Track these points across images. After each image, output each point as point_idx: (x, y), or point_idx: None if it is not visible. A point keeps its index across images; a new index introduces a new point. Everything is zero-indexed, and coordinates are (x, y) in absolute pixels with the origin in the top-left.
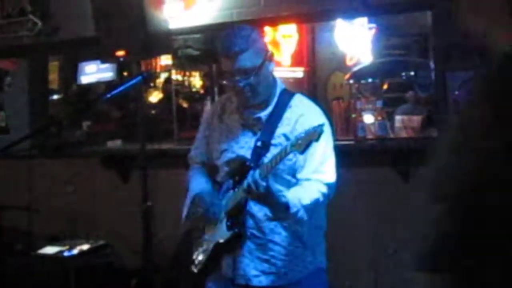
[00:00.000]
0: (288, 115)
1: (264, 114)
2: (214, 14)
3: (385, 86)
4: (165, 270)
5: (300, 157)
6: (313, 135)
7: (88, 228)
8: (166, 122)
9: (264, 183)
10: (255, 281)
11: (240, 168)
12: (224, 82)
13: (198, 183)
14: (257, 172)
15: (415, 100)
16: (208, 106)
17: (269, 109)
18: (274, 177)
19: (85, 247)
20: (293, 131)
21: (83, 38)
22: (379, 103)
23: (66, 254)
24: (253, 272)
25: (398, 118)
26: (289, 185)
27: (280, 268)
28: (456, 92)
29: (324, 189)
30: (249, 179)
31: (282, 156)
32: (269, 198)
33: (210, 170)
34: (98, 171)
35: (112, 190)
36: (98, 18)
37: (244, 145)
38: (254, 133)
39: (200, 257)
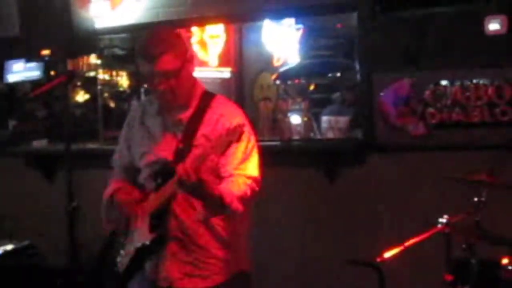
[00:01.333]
0: (209, 116)
1: (185, 116)
2: (140, 14)
3: (312, 87)
4: (90, 271)
5: (222, 157)
6: (232, 136)
7: (13, 228)
8: (92, 122)
9: (196, 173)
10: (178, 284)
11: (163, 170)
12: (145, 85)
13: (113, 185)
14: (188, 162)
15: (341, 101)
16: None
17: (190, 110)
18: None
19: (9, 247)
20: (213, 131)
21: (9, 37)
22: (305, 104)
23: None
24: (177, 275)
25: (324, 119)
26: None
27: (204, 270)
28: (381, 94)
29: (249, 182)
30: (180, 170)
31: (203, 158)
32: (202, 189)
33: (133, 173)
34: (23, 171)
35: (37, 190)
36: (23, 17)
37: (166, 147)
38: (175, 135)
39: (123, 259)
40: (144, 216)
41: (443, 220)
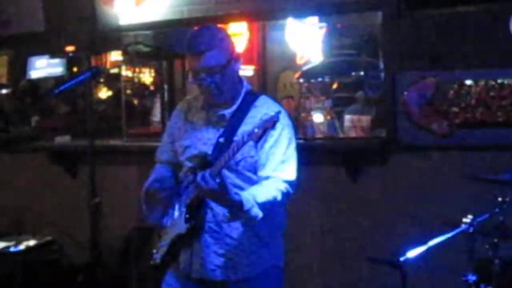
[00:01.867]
0: (253, 114)
1: (228, 112)
2: (165, 11)
3: (335, 86)
4: (112, 267)
5: (262, 155)
6: (268, 123)
7: (36, 224)
8: (115, 118)
9: (214, 181)
10: (210, 275)
11: (201, 163)
12: (190, 79)
13: (155, 175)
14: (208, 171)
15: (364, 100)
16: (157, 103)
17: (234, 107)
18: (236, 174)
19: (32, 243)
20: None
21: (33, 33)
22: (328, 103)
23: (12, 249)
24: (209, 266)
25: (347, 117)
26: (251, 182)
27: (236, 263)
28: (405, 93)
29: (283, 187)
30: (198, 176)
31: (237, 147)
32: (220, 195)
33: (176, 168)
34: (46, 167)
35: (60, 186)
36: (48, 13)
37: (207, 142)
38: (218, 130)
39: (160, 250)
40: (181, 208)
41: (467, 220)
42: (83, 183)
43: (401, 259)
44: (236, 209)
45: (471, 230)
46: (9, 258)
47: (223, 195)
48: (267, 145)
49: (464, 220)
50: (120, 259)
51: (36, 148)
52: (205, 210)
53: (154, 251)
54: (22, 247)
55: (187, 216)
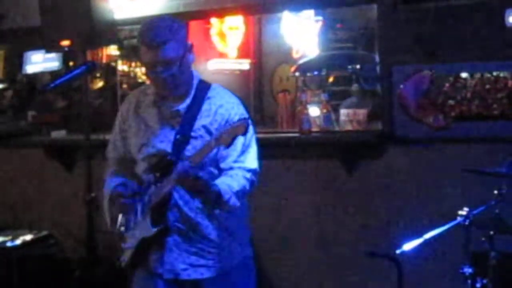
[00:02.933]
0: (207, 107)
1: (182, 107)
2: (160, 5)
3: (331, 79)
4: (108, 260)
5: (223, 149)
6: (238, 129)
7: (32, 219)
8: (111, 113)
9: (194, 172)
10: (183, 275)
11: (161, 162)
12: (146, 71)
13: (112, 182)
14: (186, 162)
15: (360, 93)
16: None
17: (187, 101)
18: (200, 169)
19: (28, 237)
20: (213, 122)
21: (28, 27)
22: (324, 96)
23: (9, 244)
24: (181, 266)
25: (343, 111)
26: (213, 177)
27: (209, 260)
28: (401, 86)
29: (248, 175)
30: (179, 169)
31: (206, 151)
32: (201, 187)
33: (128, 164)
34: (42, 162)
35: (56, 180)
36: (43, 7)
37: (164, 139)
38: (173, 127)
39: (126, 253)
40: (144, 210)
41: (463, 212)
42: (79, 177)
43: (397, 252)
44: (214, 200)
45: (467, 222)
46: (6, 253)
47: (202, 186)
48: None
49: (460, 212)
50: (116, 253)
51: (33, 142)
52: (170, 210)
53: (121, 253)
54: (18, 242)
55: (153, 219)
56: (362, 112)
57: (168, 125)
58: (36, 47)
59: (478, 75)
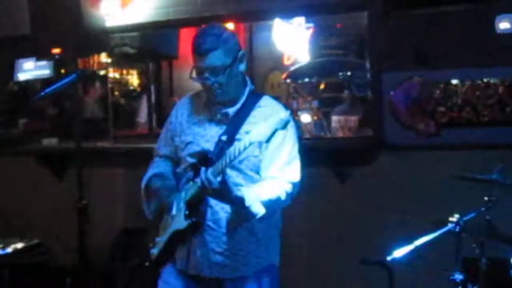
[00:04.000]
0: (256, 114)
1: (231, 110)
2: (150, 12)
3: (322, 86)
4: (100, 268)
5: (267, 155)
6: (278, 124)
7: (23, 227)
8: (102, 120)
9: (216, 179)
10: (206, 272)
11: (203, 160)
12: (194, 77)
13: (154, 169)
14: (210, 169)
15: (351, 100)
16: (143, 105)
17: (237, 106)
18: (238, 173)
19: (19, 245)
20: None
21: (20, 35)
22: (315, 103)
23: (0, 252)
24: (206, 263)
25: (334, 118)
26: (253, 182)
27: (233, 261)
28: (392, 93)
29: (288, 188)
30: (202, 176)
31: (243, 147)
32: (223, 193)
33: (174, 163)
34: (33, 169)
35: (47, 188)
36: (34, 15)
37: (210, 139)
38: (220, 128)
39: (157, 245)
40: (180, 204)
41: (454, 219)
42: (70, 185)
43: (388, 258)
44: (238, 205)
45: (457, 229)
46: None
47: (225, 193)
48: (272, 146)
49: (451, 219)
50: (107, 260)
51: (24, 150)
52: (205, 207)
53: (151, 245)
54: (9, 250)
55: (187, 213)
56: (353, 119)
57: (216, 127)
58: (27, 55)
59: (468, 82)
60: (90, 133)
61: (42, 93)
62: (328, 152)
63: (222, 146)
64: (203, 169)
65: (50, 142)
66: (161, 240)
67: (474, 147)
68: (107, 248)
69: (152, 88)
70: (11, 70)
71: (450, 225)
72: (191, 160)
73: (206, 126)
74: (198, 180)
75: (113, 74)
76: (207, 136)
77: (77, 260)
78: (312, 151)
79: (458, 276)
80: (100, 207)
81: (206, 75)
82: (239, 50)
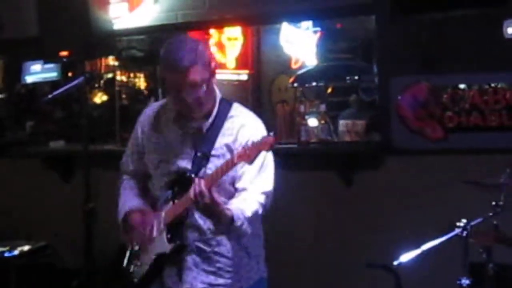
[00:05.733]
0: (229, 125)
1: (205, 124)
2: (158, 16)
3: (329, 90)
4: (106, 270)
5: (239, 166)
6: (264, 145)
7: (30, 229)
8: (109, 123)
9: (209, 194)
10: None
11: (180, 179)
12: (171, 96)
13: (128, 200)
14: (202, 182)
15: (358, 104)
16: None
17: (210, 119)
18: (217, 188)
19: (26, 247)
20: (235, 141)
21: (27, 38)
22: (323, 107)
23: (6, 254)
24: (200, 285)
25: (342, 122)
26: (230, 196)
27: (227, 279)
28: (399, 97)
29: (262, 199)
30: (195, 189)
31: (228, 166)
32: (214, 210)
33: (143, 178)
34: (40, 172)
35: (54, 191)
36: (42, 17)
37: (184, 157)
38: (194, 144)
39: (140, 269)
40: (159, 227)
41: (461, 223)
42: (78, 188)
43: (395, 263)
44: (225, 224)
45: (465, 234)
46: (4, 263)
47: (216, 210)
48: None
49: (458, 224)
50: (114, 263)
51: (31, 153)
52: (187, 228)
53: (132, 269)
54: (16, 252)
55: (168, 236)
56: (360, 123)
57: (189, 143)
58: (35, 57)
59: (476, 86)
60: (97, 136)
61: (50, 96)
62: (335, 156)
63: (200, 163)
64: (196, 181)
65: (57, 144)
66: (143, 263)
67: (481, 152)
68: (114, 251)
69: (160, 91)
70: (18, 72)
71: (457, 230)
72: (166, 178)
73: (178, 143)
74: (177, 201)
75: (120, 77)
76: (181, 153)
77: (84, 263)
78: (319, 155)
79: (465, 281)
80: (106, 210)
81: (185, 92)
82: (213, 61)
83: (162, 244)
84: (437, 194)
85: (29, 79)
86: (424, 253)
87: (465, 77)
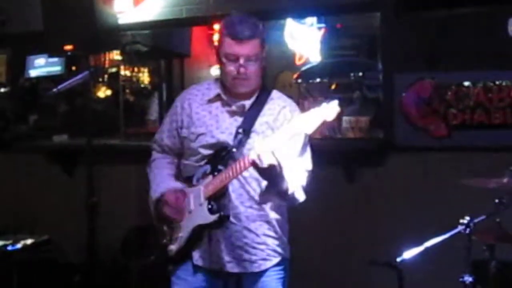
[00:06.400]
0: (270, 106)
1: (247, 103)
2: (163, 11)
3: (333, 86)
4: (109, 266)
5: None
6: (327, 114)
7: (33, 223)
8: (113, 118)
9: (273, 155)
10: (228, 267)
11: (220, 153)
12: (224, 63)
13: (162, 180)
14: (266, 149)
15: (362, 101)
16: (154, 103)
17: (252, 99)
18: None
19: (29, 241)
20: (275, 120)
21: (32, 32)
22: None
23: (9, 248)
24: (227, 258)
25: (345, 118)
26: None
27: (252, 255)
28: (403, 94)
29: (306, 175)
30: (256, 150)
31: (288, 135)
32: (276, 172)
33: (176, 154)
34: (44, 166)
35: (57, 185)
36: (47, 11)
37: (225, 131)
38: (235, 120)
39: (178, 242)
40: (199, 200)
41: (464, 221)
42: (81, 182)
43: (398, 260)
44: (284, 190)
45: (467, 231)
46: (6, 257)
47: (277, 171)
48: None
49: (461, 221)
50: (117, 258)
51: (34, 147)
52: (226, 201)
53: (165, 241)
54: (19, 246)
55: (210, 207)
56: (364, 120)
57: (230, 118)
58: (39, 51)
59: (480, 84)
60: (100, 130)
61: (55, 90)
62: (338, 152)
63: (241, 139)
64: (256, 144)
65: (61, 138)
66: (182, 236)
67: (485, 149)
68: (117, 245)
69: (164, 86)
70: (22, 66)
71: (460, 227)
72: (205, 152)
73: (220, 118)
74: (218, 173)
75: (124, 71)
76: (221, 127)
77: (86, 258)
78: (322, 151)
79: (468, 279)
80: (110, 204)
81: (241, 62)
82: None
83: (203, 216)
84: (441, 192)
85: (33, 73)
86: (427, 250)
87: (470, 74)
